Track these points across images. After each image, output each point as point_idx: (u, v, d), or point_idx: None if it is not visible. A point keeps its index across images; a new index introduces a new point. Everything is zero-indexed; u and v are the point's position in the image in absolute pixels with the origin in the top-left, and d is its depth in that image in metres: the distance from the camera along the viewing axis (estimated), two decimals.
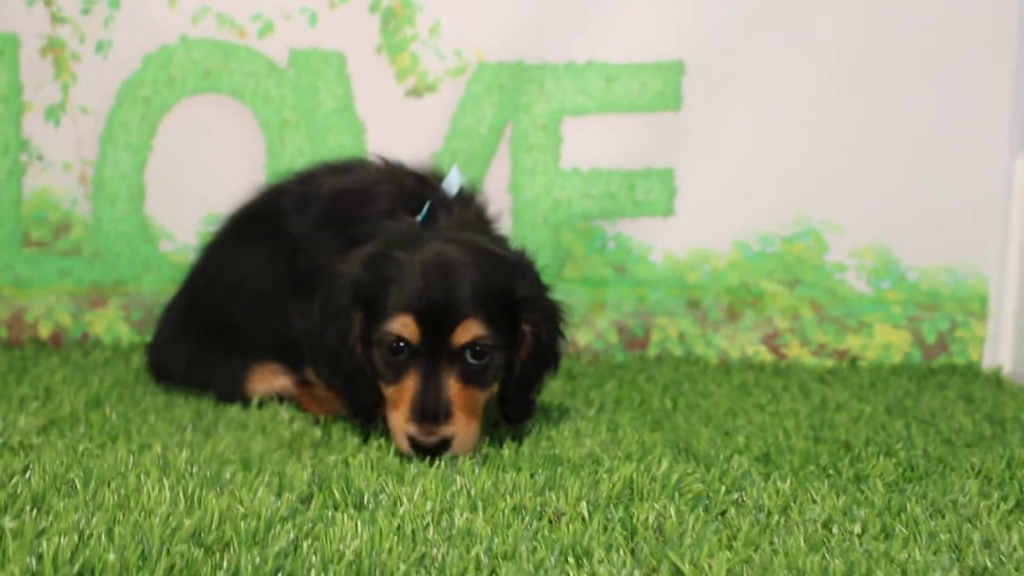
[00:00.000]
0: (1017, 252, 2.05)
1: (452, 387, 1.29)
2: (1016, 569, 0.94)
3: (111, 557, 0.90)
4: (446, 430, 1.27)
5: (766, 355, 2.10)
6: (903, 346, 2.09)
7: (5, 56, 2.02)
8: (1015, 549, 0.99)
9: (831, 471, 1.27)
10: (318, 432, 1.44)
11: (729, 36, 2.03)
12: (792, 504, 1.12)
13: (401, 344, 1.30)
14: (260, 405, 1.60)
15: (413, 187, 1.53)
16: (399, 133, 2.00)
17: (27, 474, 1.17)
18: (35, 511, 1.04)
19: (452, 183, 1.53)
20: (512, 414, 1.42)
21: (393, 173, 1.58)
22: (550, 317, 1.40)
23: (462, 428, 1.29)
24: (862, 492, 1.18)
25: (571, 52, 2.03)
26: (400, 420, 1.30)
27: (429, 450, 1.27)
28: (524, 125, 2.04)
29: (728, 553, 0.95)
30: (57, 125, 2.03)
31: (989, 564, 0.95)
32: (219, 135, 2.03)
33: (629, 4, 2.02)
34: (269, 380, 1.63)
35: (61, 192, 2.04)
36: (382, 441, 1.36)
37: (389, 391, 1.33)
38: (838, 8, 2.04)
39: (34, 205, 2.04)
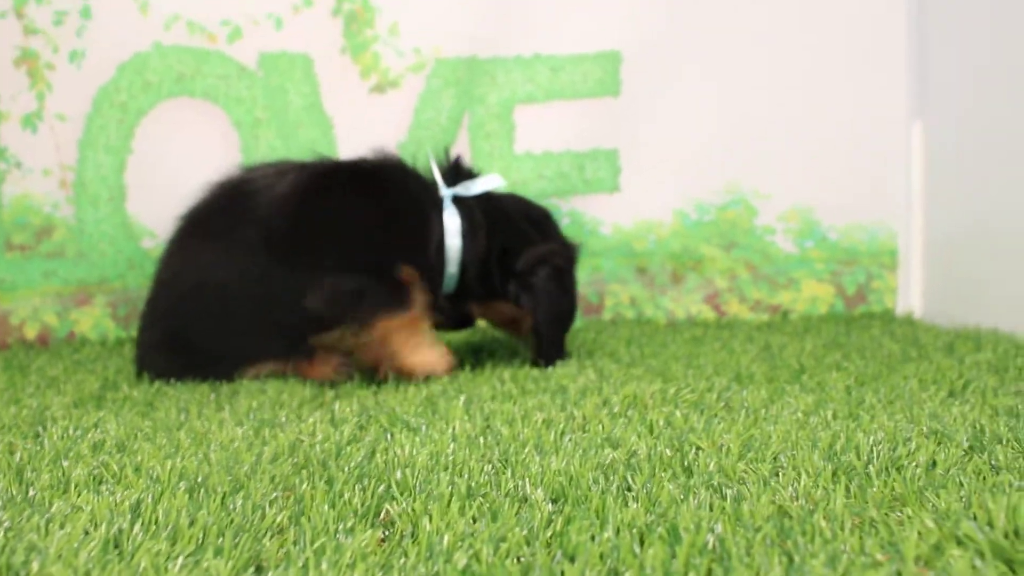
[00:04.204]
0: (920, 209, 2.31)
1: None
2: (958, 430, 1.16)
3: (217, 475, 1.04)
4: None
5: (709, 313, 2.31)
6: (827, 298, 2.33)
7: None
8: (955, 419, 1.22)
9: (796, 383, 1.49)
10: (330, 391, 1.59)
11: (660, 27, 2.24)
12: (771, 404, 1.33)
13: None
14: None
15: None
16: (365, 127, 2.15)
17: (99, 428, 1.29)
18: (122, 453, 1.17)
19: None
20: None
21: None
22: None
23: None
24: (826, 393, 1.39)
25: (518, 46, 2.21)
26: None
27: None
28: (480, 114, 2.22)
29: (733, 434, 1.14)
30: (34, 132, 2.11)
31: (939, 427, 1.16)
32: (195, 136, 2.13)
33: (568, 1, 2.21)
34: (259, 369, 1.73)
35: (42, 197, 2.12)
36: (393, 388, 1.52)
37: None
38: (753, 2, 2.27)
39: (15, 211, 2.11)
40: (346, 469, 1.06)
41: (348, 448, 1.15)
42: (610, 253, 2.28)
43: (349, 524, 0.88)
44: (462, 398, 1.40)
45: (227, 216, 1.68)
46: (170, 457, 1.13)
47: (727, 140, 2.29)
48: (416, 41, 2.18)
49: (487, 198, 1.70)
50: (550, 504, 0.92)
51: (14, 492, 1.02)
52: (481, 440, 1.17)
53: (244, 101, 2.15)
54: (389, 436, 1.20)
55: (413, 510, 0.91)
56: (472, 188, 1.70)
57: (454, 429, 1.21)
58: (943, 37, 2.24)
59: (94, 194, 2.13)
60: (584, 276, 2.27)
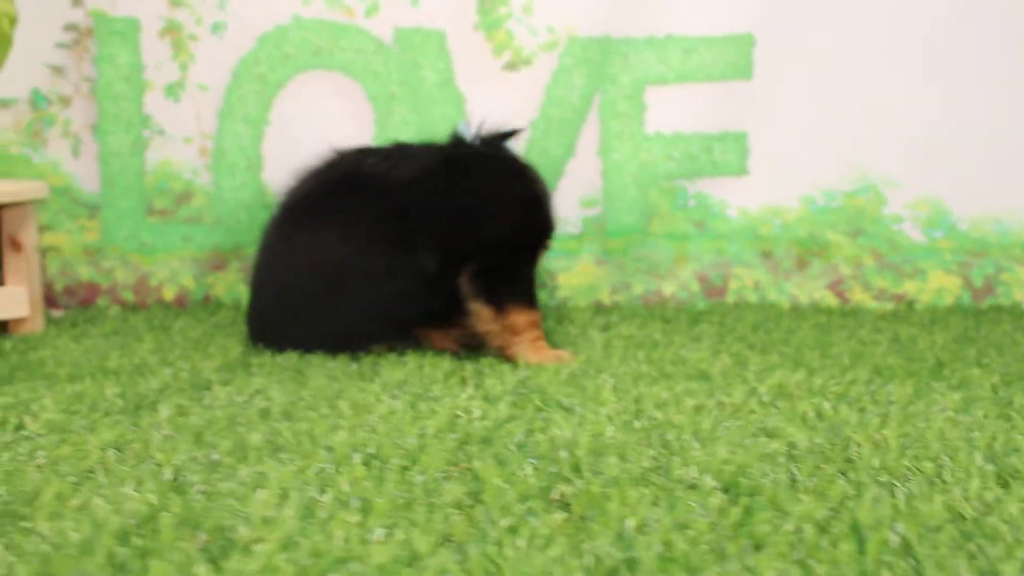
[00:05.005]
0: None
1: None
2: None
3: (387, 448, 1.09)
4: None
5: (832, 300, 2.29)
6: (954, 289, 2.28)
7: (127, 38, 2.16)
8: None
9: (939, 379, 1.48)
10: (469, 365, 1.62)
11: (793, 10, 2.21)
12: (917, 400, 1.32)
13: None
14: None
15: None
16: (497, 104, 2.14)
17: (261, 394, 1.34)
18: (290, 421, 1.23)
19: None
20: None
21: None
22: None
23: None
24: (972, 391, 1.38)
25: (651, 27, 2.20)
26: None
27: None
28: (611, 94, 2.22)
29: (888, 430, 1.15)
30: (177, 101, 2.17)
31: None
32: (331, 109, 2.17)
33: None
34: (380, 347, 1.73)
35: (182, 164, 2.18)
36: (534, 367, 1.55)
37: None
38: None
39: (157, 176, 2.18)
40: (510, 447, 1.10)
41: (508, 425, 1.19)
42: (735, 236, 2.27)
43: (528, 504, 0.92)
44: (606, 378, 1.43)
45: (345, 197, 1.71)
46: (338, 428, 1.18)
47: (858, 127, 2.25)
48: (549, 19, 2.18)
49: None
50: (722, 493, 0.94)
51: (198, 455, 1.08)
52: (636, 423, 1.19)
53: (379, 75, 2.18)
54: (544, 416, 1.24)
55: (589, 492, 0.93)
56: None
57: (607, 411, 1.24)
58: None
59: (232, 162, 2.18)
60: (709, 258, 2.28)
